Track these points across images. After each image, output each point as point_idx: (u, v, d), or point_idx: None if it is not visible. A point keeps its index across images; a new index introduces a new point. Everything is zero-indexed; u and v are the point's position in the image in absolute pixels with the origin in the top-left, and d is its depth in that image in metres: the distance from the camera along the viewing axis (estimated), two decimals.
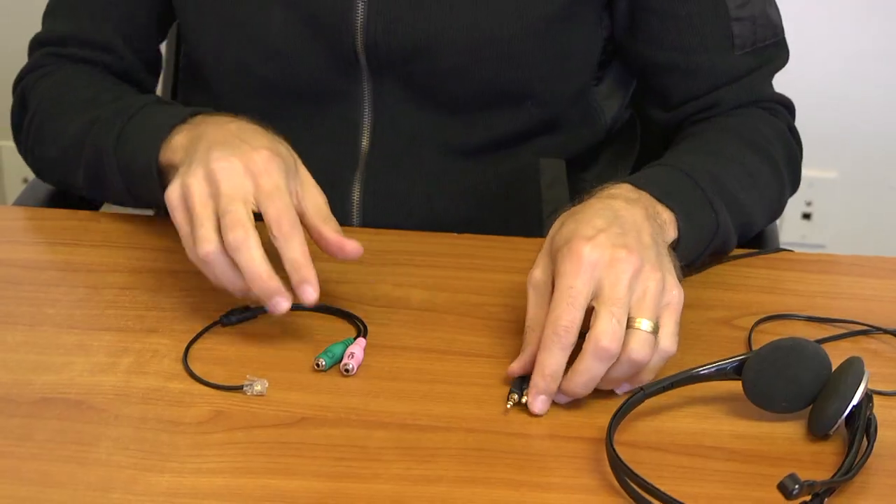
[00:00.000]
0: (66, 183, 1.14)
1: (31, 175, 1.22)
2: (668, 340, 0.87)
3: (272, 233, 0.90)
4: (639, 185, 0.98)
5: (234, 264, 0.90)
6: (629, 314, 0.86)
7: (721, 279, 1.05)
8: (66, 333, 0.96)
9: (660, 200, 0.97)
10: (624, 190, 0.97)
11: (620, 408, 0.85)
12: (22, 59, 1.22)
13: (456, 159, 1.13)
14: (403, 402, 0.89)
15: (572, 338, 0.86)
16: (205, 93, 1.19)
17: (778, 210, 1.14)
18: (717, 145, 1.10)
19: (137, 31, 1.19)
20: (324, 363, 0.92)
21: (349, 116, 1.16)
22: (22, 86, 1.18)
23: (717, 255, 1.07)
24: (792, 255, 1.11)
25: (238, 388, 0.89)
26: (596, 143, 1.22)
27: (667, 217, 0.97)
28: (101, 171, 1.07)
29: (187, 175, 0.93)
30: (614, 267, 0.86)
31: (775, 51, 1.15)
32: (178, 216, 0.93)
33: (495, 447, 0.85)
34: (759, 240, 1.16)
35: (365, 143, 1.17)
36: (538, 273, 0.90)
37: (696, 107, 1.15)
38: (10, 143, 1.19)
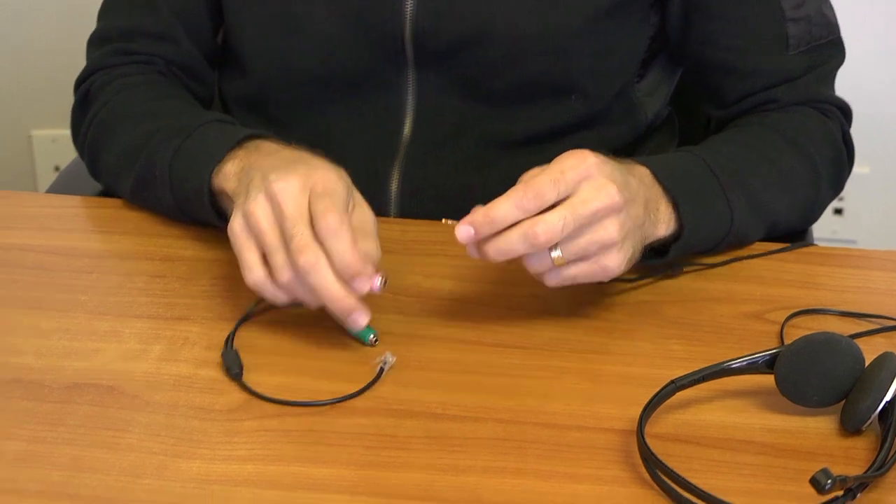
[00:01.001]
0: (112, 188, 1.15)
1: (62, 163, 1.23)
2: (562, 276, 0.91)
3: (319, 227, 0.89)
4: (654, 171, 0.99)
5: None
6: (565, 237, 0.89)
7: (753, 273, 1.04)
8: (98, 320, 0.97)
9: (667, 191, 0.98)
10: (641, 174, 0.98)
11: (651, 400, 0.84)
12: (68, 57, 1.20)
13: (496, 151, 1.14)
14: (433, 392, 0.89)
15: (532, 206, 0.88)
16: (245, 82, 1.20)
17: (813, 210, 1.13)
18: (751, 140, 1.10)
19: (194, 22, 1.19)
20: (373, 338, 0.93)
21: (391, 106, 1.16)
22: (86, 85, 1.18)
23: (738, 247, 1.07)
24: (824, 250, 1.10)
25: (301, 404, 0.88)
26: (635, 138, 1.22)
27: (664, 215, 0.98)
28: (153, 184, 1.07)
29: (248, 203, 0.92)
30: (599, 192, 0.90)
31: (831, 50, 1.15)
32: (241, 244, 0.92)
33: (525, 437, 0.85)
34: (791, 234, 1.14)
35: (406, 132, 1.17)
36: (536, 170, 0.92)
37: (750, 103, 1.14)
38: (42, 132, 1.21)
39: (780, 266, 1.06)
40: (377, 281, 0.90)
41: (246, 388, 0.89)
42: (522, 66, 1.12)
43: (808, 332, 0.87)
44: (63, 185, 1.26)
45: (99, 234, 1.11)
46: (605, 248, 0.91)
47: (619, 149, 1.16)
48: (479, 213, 0.89)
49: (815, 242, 1.13)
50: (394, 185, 1.17)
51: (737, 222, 1.03)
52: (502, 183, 0.92)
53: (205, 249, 1.05)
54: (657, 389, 0.85)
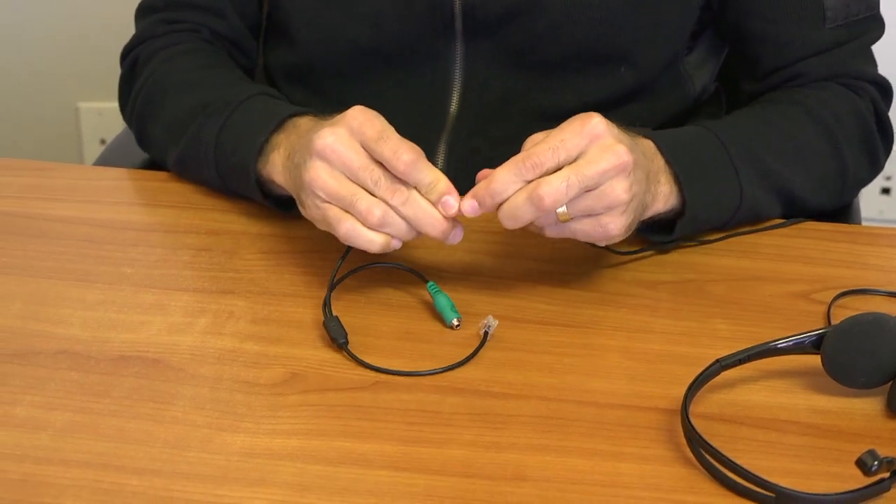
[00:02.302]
0: (159, 159, 1.16)
1: (108, 136, 1.23)
2: (562, 231, 0.91)
3: (395, 169, 0.90)
4: (658, 145, 0.99)
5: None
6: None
7: (800, 253, 1.04)
8: (143, 293, 0.97)
9: (670, 165, 0.99)
10: (644, 146, 0.98)
11: (696, 379, 0.84)
12: (115, 29, 1.21)
13: (544, 124, 1.08)
14: (476, 369, 0.89)
15: (531, 175, 0.89)
16: (292, 53, 1.20)
17: (841, 188, 1.11)
18: (770, 114, 1.10)
19: None
20: (457, 322, 0.93)
21: (439, 78, 1.16)
22: (133, 55, 1.19)
23: (754, 223, 1.06)
24: (872, 230, 1.09)
25: (413, 374, 0.89)
26: (683, 111, 1.21)
27: (665, 189, 0.98)
28: (198, 160, 1.09)
29: (306, 172, 0.92)
30: (605, 152, 0.89)
31: (868, 24, 1.13)
32: (320, 209, 0.93)
33: (568, 416, 0.85)
34: (839, 213, 1.13)
35: (454, 105, 1.17)
36: (540, 135, 0.92)
37: (781, 77, 1.14)
38: (89, 104, 1.22)
39: (827, 246, 1.05)
40: (467, 204, 0.91)
41: (354, 358, 0.90)
42: (571, 35, 1.11)
43: (856, 313, 0.87)
44: (109, 157, 1.27)
45: (145, 207, 1.12)
46: (610, 207, 0.91)
47: (667, 122, 1.18)
48: (481, 186, 0.90)
49: (862, 222, 1.11)
50: (440, 159, 1.17)
51: (747, 196, 1.03)
52: None
53: (250, 224, 1.06)
54: (702, 369, 0.85)
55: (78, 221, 1.07)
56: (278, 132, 1.02)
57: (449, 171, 1.11)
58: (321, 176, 0.92)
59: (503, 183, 0.90)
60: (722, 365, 0.85)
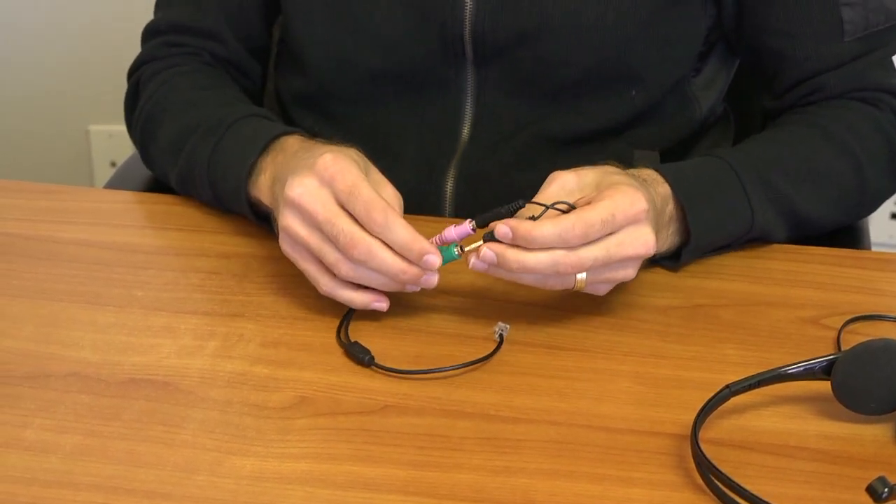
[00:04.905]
0: (161, 177, 1.17)
1: (119, 159, 1.24)
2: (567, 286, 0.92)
3: (369, 229, 0.90)
4: (667, 178, 1.00)
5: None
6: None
7: (811, 278, 1.04)
8: (154, 316, 0.97)
9: (676, 195, 0.99)
10: (655, 192, 0.98)
11: (706, 405, 0.84)
12: (126, 52, 1.24)
13: (552, 149, 1.13)
14: (485, 393, 0.89)
15: (575, 243, 0.89)
16: (304, 79, 1.20)
17: (855, 205, 1.11)
18: (786, 136, 1.10)
19: (243, 18, 1.20)
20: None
21: (450, 106, 1.16)
22: (136, 76, 1.20)
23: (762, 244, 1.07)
24: (882, 255, 1.09)
25: (429, 372, 0.91)
26: (690, 135, 1.21)
27: (671, 231, 1.00)
28: (194, 180, 1.10)
29: (281, 220, 0.94)
30: (637, 240, 0.91)
31: (887, 36, 1.13)
32: (297, 259, 0.95)
33: (578, 440, 0.85)
34: (849, 238, 1.14)
35: (465, 131, 1.17)
36: (573, 179, 0.93)
37: (800, 91, 1.13)
38: (99, 127, 1.22)
39: (837, 271, 1.05)
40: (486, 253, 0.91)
41: (383, 369, 0.90)
42: (581, 59, 1.11)
43: (866, 339, 0.86)
44: (119, 180, 1.27)
45: (155, 230, 1.12)
46: (620, 281, 0.94)
47: (674, 146, 1.18)
48: (523, 227, 0.89)
49: (872, 247, 1.11)
50: (449, 184, 1.17)
51: (758, 221, 1.03)
52: None
53: (259, 247, 1.06)
54: (712, 394, 0.84)
55: (88, 244, 1.07)
56: (265, 155, 1.03)
57: (458, 197, 1.15)
58: (293, 226, 0.93)
59: (546, 237, 0.89)
60: (732, 390, 0.85)
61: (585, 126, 1.15)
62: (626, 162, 1.01)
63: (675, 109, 1.19)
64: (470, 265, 0.91)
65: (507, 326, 0.93)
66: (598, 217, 0.90)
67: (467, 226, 0.93)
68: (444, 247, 0.93)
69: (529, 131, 1.16)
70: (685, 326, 0.97)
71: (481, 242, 0.91)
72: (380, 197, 0.91)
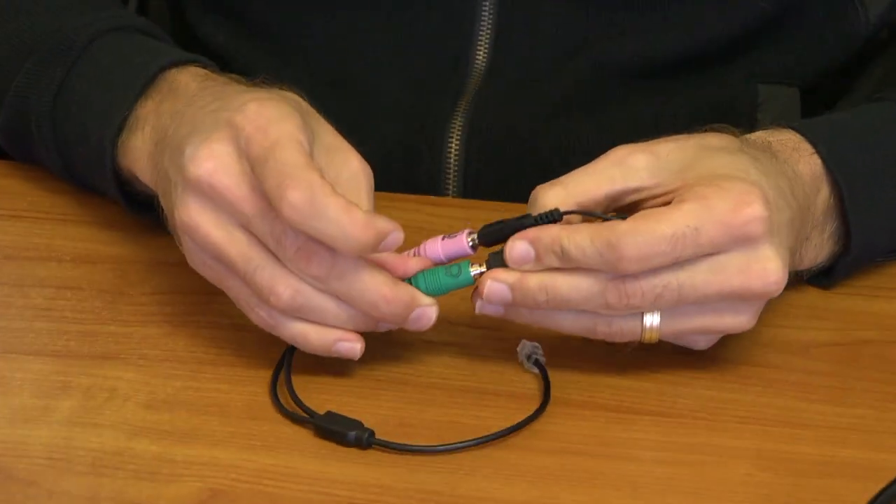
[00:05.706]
0: None
1: None
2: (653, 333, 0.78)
3: (279, 211, 0.73)
4: (818, 146, 0.83)
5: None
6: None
7: None
8: None
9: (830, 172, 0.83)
10: (797, 161, 0.82)
11: (874, 501, 0.72)
12: None
13: (620, 84, 1.01)
14: (514, 487, 0.75)
15: (612, 263, 0.76)
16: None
17: None
18: None
19: None
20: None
21: (455, 16, 1.01)
22: None
23: None
24: None
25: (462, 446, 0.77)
26: (848, 59, 1.06)
27: (826, 236, 0.85)
28: (28, 138, 0.95)
29: (179, 213, 0.79)
30: (750, 273, 0.77)
31: None
32: (212, 276, 0.81)
33: None
34: None
35: (480, 58, 1.01)
36: (643, 159, 0.79)
37: None
38: None
39: None
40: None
41: (387, 446, 0.76)
42: None
43: None
44: None
45: None
46: (728, 332, 0.81)
47: (825, 79, 1.07)
48: (548, 235, 0.77)
49: None
50: (454, 143, 1.01)
51: None
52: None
53: (143, 246, 0.92)
54: (884, 485, 0.71)
55: None
56: (144, 99, 0.89)
57: (467, 163, 1.05)
58: (202, 224, 0.78)
59: (587, 256, 0.76)
60: None
61: (675, 47, 1.00)
62: (746, 103, 0.96)
63: (825, 16, 1.03)
64: (476, 310, 0.79)
65: (538, 347, 0.81)
66: (668, 229, 0.75)
67: (463, 239, 0.79)
68: (426, 271, 0.80)
69: (582, 57, 0.99)
70: (839, 376, 0.83)
71: (483, 269, 0.78)
72: (310, 161, 0.75)
